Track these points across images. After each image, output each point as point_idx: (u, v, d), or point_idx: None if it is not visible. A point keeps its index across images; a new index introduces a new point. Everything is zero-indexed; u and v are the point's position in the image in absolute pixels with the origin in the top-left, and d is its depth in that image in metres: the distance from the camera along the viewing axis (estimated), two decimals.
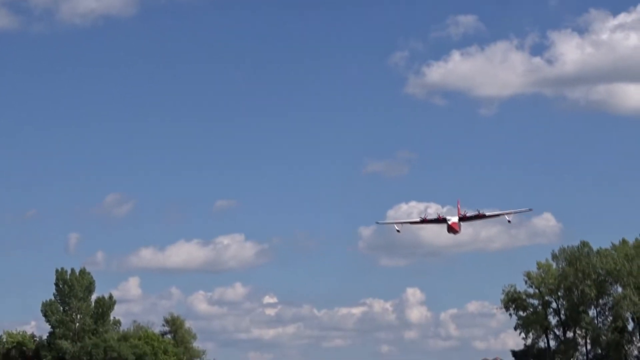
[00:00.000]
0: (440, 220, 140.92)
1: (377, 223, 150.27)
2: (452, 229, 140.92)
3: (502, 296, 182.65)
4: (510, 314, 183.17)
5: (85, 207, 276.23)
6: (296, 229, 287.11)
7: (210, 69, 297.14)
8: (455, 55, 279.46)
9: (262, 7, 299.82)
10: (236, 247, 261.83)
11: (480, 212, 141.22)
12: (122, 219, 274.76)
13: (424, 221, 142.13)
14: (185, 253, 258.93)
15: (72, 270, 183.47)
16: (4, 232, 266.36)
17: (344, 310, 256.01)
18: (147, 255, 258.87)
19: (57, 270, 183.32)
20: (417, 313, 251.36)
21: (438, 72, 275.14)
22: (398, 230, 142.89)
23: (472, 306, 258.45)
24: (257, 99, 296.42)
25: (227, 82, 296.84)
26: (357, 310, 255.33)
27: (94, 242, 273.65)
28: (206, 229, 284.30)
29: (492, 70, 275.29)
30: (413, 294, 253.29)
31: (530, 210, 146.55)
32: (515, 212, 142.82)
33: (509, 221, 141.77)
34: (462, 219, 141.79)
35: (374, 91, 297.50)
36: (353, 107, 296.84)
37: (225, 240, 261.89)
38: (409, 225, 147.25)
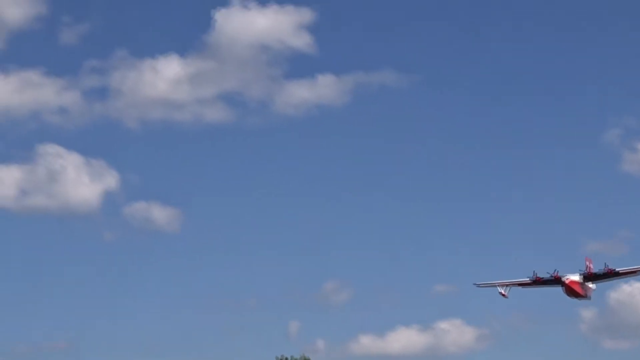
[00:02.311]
0: (557, 279, 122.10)
1: (476, 285, 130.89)
2: (571, 291, 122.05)
3: None
4: None
5: (304, 294, 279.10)
6: (515, 312, 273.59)
7: (421, 151, 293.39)
8: None
9: (472, 92, 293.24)
10: (456, 332, 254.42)
11: (610, 268, 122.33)
12: (340, 306, 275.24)
13: (536, 282, 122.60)
14: (405, 339, 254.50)
15: (292, 357, 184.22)
16: (225, 321, 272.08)
17: None
18: (366, 342, 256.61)
19: (276, 358, 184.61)
20: None
21: None
22: (503, 294, 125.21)
23: None
24: (474, 184, 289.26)
25: (442, 164, 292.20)
26: None
27: (313, 330, 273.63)
28: (425, 314, 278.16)
29: None
30: None
31: None
32: None
33: None
34: (588, 277, 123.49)
35: (588, 170, 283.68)
36: (569, 188, 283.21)
37: (444, 325, 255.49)
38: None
